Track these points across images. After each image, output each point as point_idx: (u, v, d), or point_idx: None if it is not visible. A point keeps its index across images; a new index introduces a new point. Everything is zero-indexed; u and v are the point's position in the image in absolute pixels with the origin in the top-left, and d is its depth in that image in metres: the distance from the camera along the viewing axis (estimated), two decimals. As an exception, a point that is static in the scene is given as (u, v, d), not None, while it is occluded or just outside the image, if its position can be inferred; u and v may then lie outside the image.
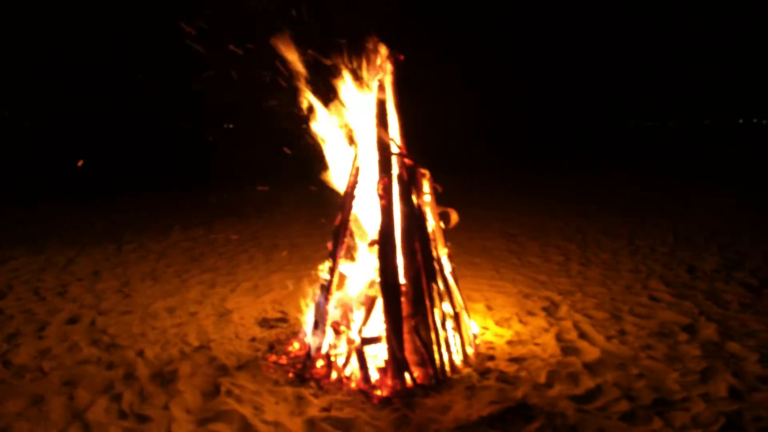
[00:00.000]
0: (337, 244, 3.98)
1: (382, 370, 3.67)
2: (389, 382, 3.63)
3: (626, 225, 9.11)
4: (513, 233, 8.74)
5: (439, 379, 3.72)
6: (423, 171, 4.15)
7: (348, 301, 3.99)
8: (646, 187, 14.23)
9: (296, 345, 4.28)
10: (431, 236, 4.07)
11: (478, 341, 4.39)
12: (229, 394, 3.52)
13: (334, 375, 3.76)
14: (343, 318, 3.94)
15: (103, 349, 4.34)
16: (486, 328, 4.72)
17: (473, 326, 4.53)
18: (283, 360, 4.07)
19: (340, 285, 4.06)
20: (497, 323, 4.82)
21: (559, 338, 4.46)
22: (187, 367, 3.95)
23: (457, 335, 4.03)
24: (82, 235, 8.79)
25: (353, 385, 3.66)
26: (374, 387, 3.62)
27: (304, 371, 3.83)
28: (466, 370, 3.89)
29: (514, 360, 4.09)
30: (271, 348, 4.30)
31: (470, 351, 4.14)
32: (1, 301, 5.54)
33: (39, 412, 3.38)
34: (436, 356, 3.77)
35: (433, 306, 3.84)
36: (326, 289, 3.94)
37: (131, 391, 3.61)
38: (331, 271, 3.96)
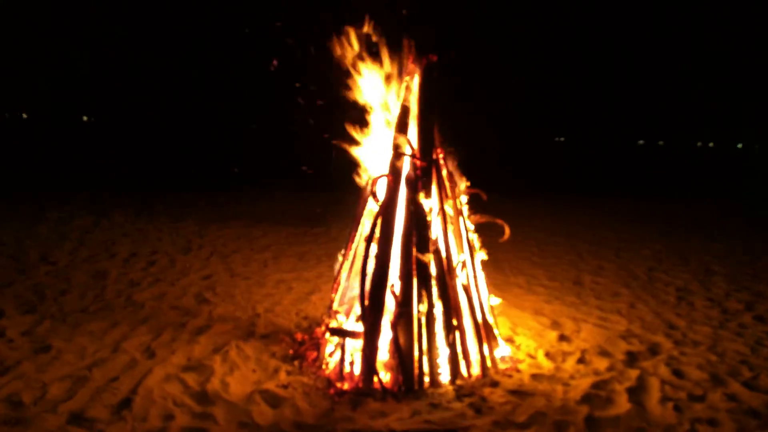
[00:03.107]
0: (349, 238, 4.09)
1: (353, 365, 3.67)
2: (354, 377, 3.62)
3: None
4: (714, 270, 7.17)
5: (410, 388, 3.54)
6: (453, 176, 3.98)
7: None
8: None
9: (323, 327, 4.50)
10: (445, 242, 3.85)
11: (504, 366, 3.96)
12: (224, 354, 3.98)
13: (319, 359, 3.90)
14: (350, 308, 4.03)
15: (198, 301, 5.24)
16: (533, 357, 4.19)
17: (503, 349, 4.09)
18: (303, 338, 4.34)
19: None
20: (548, 355, 4.22)
21: (597, 385, 3.71)
22: (226, 326, 4.54)
23: (457, 349, 3.73)
24: (291, 217, 10.28)
25: (327, 372, 3.75)
26: (342, 379, 3.65)
27: (299, 350, 4.06)
28: (448, 388, 3.58)
29: (516, 393, 3.59)
30: (308, 327, 4.61)
31: (474, 371, 3.78)
32: (185, 255, 7.03)
33: (104, 332, 4.36)
34: (416, 364, 3.59)
35: (420, 313, 3.65)
36: (334, 278, 4.08)
37: (169, 334, 4.35)
38: (342, 261, 4.08)
